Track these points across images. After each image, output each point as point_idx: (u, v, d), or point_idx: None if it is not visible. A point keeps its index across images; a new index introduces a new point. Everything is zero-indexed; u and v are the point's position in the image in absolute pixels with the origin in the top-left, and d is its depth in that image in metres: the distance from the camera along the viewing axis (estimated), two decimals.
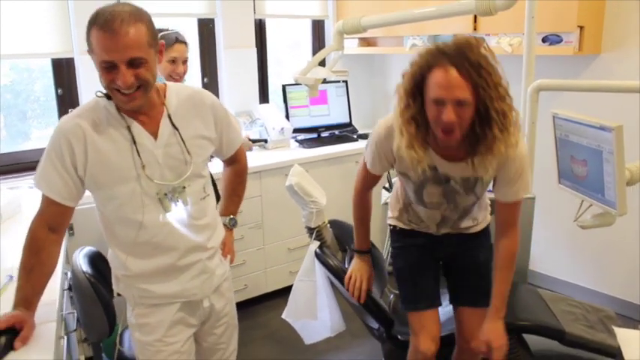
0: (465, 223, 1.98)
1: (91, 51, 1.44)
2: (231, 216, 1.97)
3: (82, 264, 1.97)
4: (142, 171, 1.53)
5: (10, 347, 1.33)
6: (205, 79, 3.76)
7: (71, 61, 3.19)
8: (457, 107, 1.51)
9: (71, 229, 2.61)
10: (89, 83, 3.18)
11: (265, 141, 3.69)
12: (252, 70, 3.88)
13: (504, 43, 3.12)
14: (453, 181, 1.77)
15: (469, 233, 2.02)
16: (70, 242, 2.51)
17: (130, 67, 1.41)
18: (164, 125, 1.57)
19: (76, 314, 1.99)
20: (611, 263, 3.32)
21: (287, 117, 3.91)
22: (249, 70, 3.87)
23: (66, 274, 2.10)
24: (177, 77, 2.55)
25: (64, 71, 3.21)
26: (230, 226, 1.95)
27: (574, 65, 3.18)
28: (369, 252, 2.15)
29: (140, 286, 1.64)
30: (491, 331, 1.86)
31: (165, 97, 1.59)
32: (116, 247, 1.64)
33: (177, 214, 1.61)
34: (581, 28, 2.95)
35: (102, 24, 1.38)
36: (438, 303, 2.04)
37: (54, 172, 1.51)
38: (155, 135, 1.56)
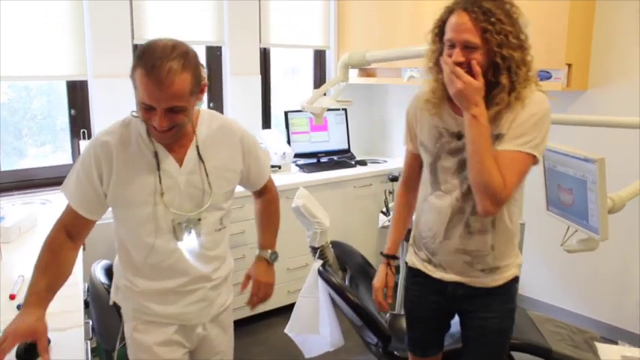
0: (478, 242, 1.73)
1: (133, 83, 1.44)
2: (271, 250, 1.92)
3: (100, 276, 2.09)
4: (160, 198, 1.55)
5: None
6: (211, 104, 3.92)
7: (85, 83, 3.34)
8: (466, 51, 1.54)
9: (83, 244, 2.73)
10: (101, 105, 3.33)
11: (279, 167, 3.79)
12: (256, 96, 4.04)
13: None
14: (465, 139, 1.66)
15: (483, 287, 1.78)
16: (84, 256, 2.62)
17: (168, 113, 1.42)
18: (191, 154, 1.58)
19: (91, 324, 2.10)
20: (596, 288, 3.47)
21: (288, 142, 4.06)
22: (253, 97, 4.03)
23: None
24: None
25: (77, 93, 3.35)
26: (271, 261, 1.92)
27: (562, 100, 3.36)
28: (395, 258, 2.01)
29: (140, 302, 1.65)
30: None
31: (196, 124, 1.60)
32: (126, 263, 1.66)
33: (188, 243, 1.61)
34: (569, 65, 3.15)
35: (149, 69, 1.37)
36: (435, 352, 1.97)
37: (80, 185, 1.55)
38: (181, 162, 1.57)
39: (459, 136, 1.67)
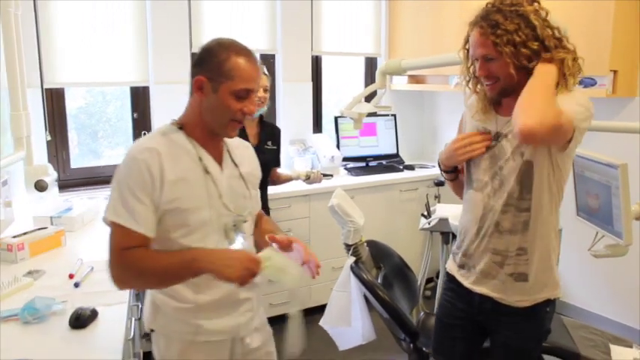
0: (508, 241, 1.73)
1: (220, 79, 1.44)
2: None
3: None
4: (217, 200, 1.52)
5: None
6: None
7: (147, 89, 3.61)
8: (486, 62, 1.63)
9: None
10: (161, 109, 3.59)
11: (331, 175, 3.84)
12: (307, 102, 4.21)
13: None
14: (504, 139, 1.72)
15: (511, 306, 1.76)
16: None
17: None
18: (226, 158, 1.60)
19: (140, 306, 2.31)
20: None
21: (338, 146, 4.20)
22: (304, 102, 4.20)
23: None
24: (260, 102, 2.80)
25: (140, 98, 3.62)
26: None
27: (609, 107, 3.34)
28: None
29: (191, 321, 1.54)
30: None
31: None
32: None
33: (238, 246, 1.59)
34: (615, 72, 3.12)
35: (245, 54, 1.47)
36: None
37: (137, 202, 1.41)
38: (220, 166, 1.57)
39: (496, 136, 1.74)
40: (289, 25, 4.01)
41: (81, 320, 1.60)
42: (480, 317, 1.85)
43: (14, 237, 2.20)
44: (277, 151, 3.16)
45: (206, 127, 1.53)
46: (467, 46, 1.74)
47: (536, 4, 1.64)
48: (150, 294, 1.60)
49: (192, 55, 3.61)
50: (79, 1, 3.21)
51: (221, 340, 1.60)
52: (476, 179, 1.80)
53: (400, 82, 4.48)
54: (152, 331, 1.60)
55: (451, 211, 3.22)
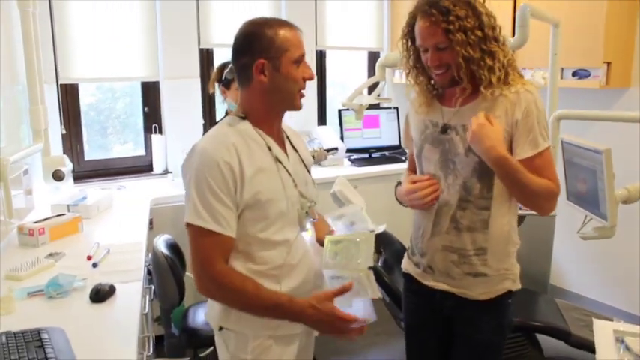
0: (466, 240, 1.69)
1: (277, 55, 1.46)
2: None
3: (162, 247, 2.44)
4: (292, 189, 1.54)
5: None
6: None
7: (157, 83, 3.74)
8: (438, 53, 1.58)
9: (151, 223, 3.10)
10: (170, 103, 3.72)
11: (336, 149, 4.03)
12: (312, 95, 4.33)
13: (538, 77, 3.43)
14: (453, 132, 1.67)
15: (472, 299, 1.73)
16: (150, 234, 3.00)
17: None
18: (287, 145, 1.62)
19: (153, 288, 2.46)
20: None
21: (342, 138, 4.33)
22: (309, 95, 4.29)
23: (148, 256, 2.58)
24: None
25: (150, 92, 3.76)
26: None
27: (605, 97, 3.44)
28: None
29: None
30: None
31: None
32: (250, 272, 1.50)
33: (307, 235, 1.62)
34: (608, 63, 3.23)
35: (286, 25, 1.50)
36: None
37: (220, 204, 1.42)
38: (285, 154, 1.59)
39: (444, 129, 1.70)
40: (294, 20, 4.08)
41: (100, 294, 1.74)
42: (444, 313, 1.80)
43: (35, 222, 2.34)
44: None
45: (270, 113, 1.54)
46: (406, 36, 1.71)
47: None
48: None
49: (201, 50, 3.77)
50: (92, 0, 3.35)
51: (294, 334, 1.58)
52: (428, 173, 1.76)
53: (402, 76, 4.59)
54: (221, 329, 1.56)
55: None
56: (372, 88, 3.20)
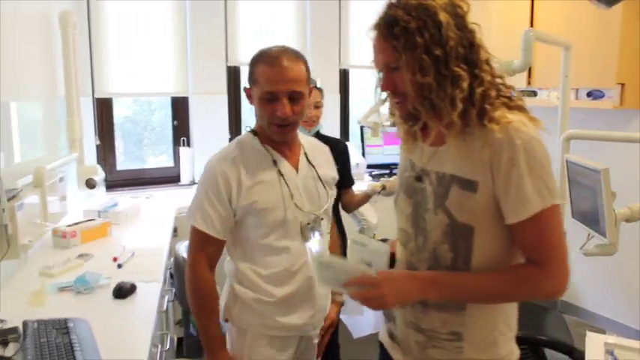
0: (434, 320, 1.29)
1: (253, 85, 1.59)
2: None
3: (183, 253, 2.59)
4: (290, 200, 1.63)
5: None
6: None
7: (186, 99, 3.94)
8: (390, 74, 1.24)
9: (175, 231, 3.27)
10: (198, 118, 3.92)
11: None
12: (335, 112, 4.48)
13: (553, 97, 3.51)
14: (427, 181, 1.28)
15: None
16: (174, 240, 3.16)
17: (290, 101, 1.56)
18: (302, 160, 1.71)
19: (174, 291, 2.61)
20: None
21: (363, 154, 4.46)
22: (332, 113, 4.47)
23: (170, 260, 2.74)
24: (311, 121, 2.67)
25: (179, 107, 3.97)
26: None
27: (619, 118, 3.49)
28: None
29: (266, 314, 1.67)
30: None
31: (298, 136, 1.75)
32: (254, 274, 1.66)
33: (314, 244, 1.69)
34: (622, 85, 3.29)
35: (269, 60, 1.55)
36: None
37: (215, 210, 1.60)
38: (296, 168, 1.69)
39: (419, 177, 1.30)
40: (318, 41, 4.29)
41: (122, 292, 1.90)
42: None
43: (68, 226, 2.54)
44: (343, 170, 2.71)
45: (267, 133, 1.66)
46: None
47: None
48: (229, 284, 1.74)
49: (228, 68, 3.96)
50: (126, 20, 3.58)
51: (291, 336, 1.71)
52: (399, 229, 1.38)
53: None
54: (227, 321, 1.72)
55: None
56: None
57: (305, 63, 1.61)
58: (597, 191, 2.22)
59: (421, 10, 1.18)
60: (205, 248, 1.65)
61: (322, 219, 1.72)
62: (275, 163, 1.66)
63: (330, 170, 1.80)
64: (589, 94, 3.39)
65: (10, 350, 1.48)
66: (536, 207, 1.16)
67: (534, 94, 3.67)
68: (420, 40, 1.17)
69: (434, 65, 1.17)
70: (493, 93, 1.21)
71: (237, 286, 1.70)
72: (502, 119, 1.18)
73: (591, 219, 2.34)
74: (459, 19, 1.21)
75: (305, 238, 1.67)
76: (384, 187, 3.06)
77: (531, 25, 3.61)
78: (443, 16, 1.17)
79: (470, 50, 1.20)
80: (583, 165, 2.31)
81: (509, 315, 1.34)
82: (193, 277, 1.66)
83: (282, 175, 1.65)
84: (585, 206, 2.38)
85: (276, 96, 1.56)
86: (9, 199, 2.02)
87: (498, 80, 1.25)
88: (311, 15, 4.22)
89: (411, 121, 1.31)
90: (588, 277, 3.81)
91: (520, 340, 2.53)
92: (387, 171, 4.52)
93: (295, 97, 1.58)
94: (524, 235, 1.20)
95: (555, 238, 1.19)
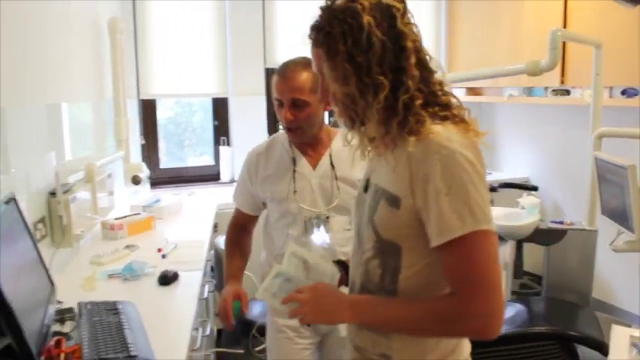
0: (366, 339, 1.24)
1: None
2: None
3: (223, 246, 2.73)
4: (292, 195, 1.81)
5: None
6: (331, 119, 4.51)
7: (226, 100, 4.10)
8: (324, 82, 1.20)
9: (216, 226, 3.41)
10: (237, 118, 4.07)
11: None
12: None
13: (586, 95, 3.52)
14: (369, 192, 1.23)
15: None
16: (214, 235, 3.31)
17: (293, 108, 1.72)
18: (324, 160, 1.84)
19: (214, 282, 2.75)
20: None
21: None
22: None
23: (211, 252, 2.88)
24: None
25: (219, 107, 4.13)
26: None
27: None
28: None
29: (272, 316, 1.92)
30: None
31: (332, 138, 1.86)
32: (269, 251, 1.95)
33: (318, 238, 1.81)
34: None
35: (279, 70, 1.75)
36: None
37: (240, 189, 1.99)
38: (314, 166, 1.83)
39: (365, 187, 1.26)
40: None
41: (166, 279, 2.04)
42: None
43: (115, 219, 2.71)
44: None
45: None
46: None
47: None
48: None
49: (266, 69, 4.10)
50: (169, 25, 3.76)
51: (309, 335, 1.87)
52: (349, 243, 1.36)
53: (458, 94, 4.72)
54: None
55: (495, 212, 3.46)
56: None
57: (312, 73, 1.59)
58: (625, 188, 2.26)
59: (347, 14, 1.10)
60: (239, 218, 2.02)
61: (328, 217, 1.81)
62: (294, 160, 1.84)
63: (349, 174, 1.80)
64: (623, 92, 3.39)
65: (67, 327, 1.63)
66: (455, 232, 1.04)
67: (567, 92, 3.68)
68: (342, 47, 1.10)
69: (355, 73, 1.10)
70: (419, 101, 1.10)
71: (263, 258, 2.00)
72: (424, 131, 1.08)
73: (620, 215, 2.37)
74: (390, 20, 1.10)
75: (307, 231, 1.82)
76: None
77: (564, 25, 3.62)
78: (366, 19, 1.08)
79: (399, 55, 1.09)
80: (610, 162, 2.35)
81: (443, 340, 1.19)
82: (227, 228, 2.04)
83: (295, 171, 1.82)
84: (614, 203, 2.42)
85: (281, 102, 1.75)
86: (63, 193, 2.19)
87: (437, 87, 1.14)
88: None
89: (353, 128, 1.21)
90: (620, 275, 3.79)
91: (551, 336, 2.60)
92: None
93: (298, 105, 1.72)
94: (445, 261, 1.09)
95: (479, 269, 1.05)
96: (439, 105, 1.12)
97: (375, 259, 1.19)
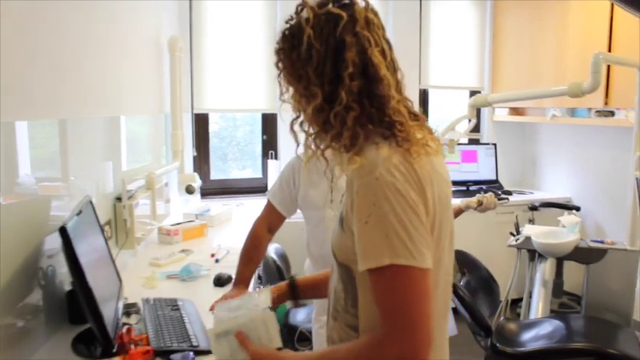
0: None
1: None
2: None
3: (272, 254, 2.88)
4: (329, 204, 1.98)
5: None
6: None
7: (275, 115, 4.28)
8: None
9: None
10: (285, 132, 4.22)
11: (507, 199, 3.70)
12: None
13: (631, 117, 3.54)
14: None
15: None
16: None
17: None
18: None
19: (262, 287, 2.89)
20: None
21: None
22: None
23: None
24: None
25: (268, 123, 4.31)
26: None
27: None
28: None
29: None
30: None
31: None
32: (310, 258, 2.19)
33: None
34: None
35: None
36: None
37: (281, 188, 2.16)
38: None
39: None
40: (399, 61, 4.50)
41: (221, 280, 2.19)
42: None
43: (171, 225, 2.89)
44: None
45: None
46: None
47: None
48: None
49: None
50: (222, 44, 3.97)
51: None
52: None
53: (502, 114, 4.82)
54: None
55: (536, 230, 3.51)
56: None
57: None
58: None
59: (294, 28, 1.09)
60: (269, 215, 2.16)
61: None
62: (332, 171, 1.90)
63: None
64: None
65: (133, 320, 1.79)
66: (370, 263, 0.96)
67: (612, 114, 3.71)
68: (287, 61, 1.09)
69: (297, 86, 1.10)
70: (353, 114, 1.03)
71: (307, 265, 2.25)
72: (357, 151, 1.03)
73: None
74: (332, 30, 1.05)
75: None
76: (480, 203, 3.01)
77: (609, 44, 3.65)
78: (307, 32, 1.05)
79: (337, 66, 1.04)
80: None
81: None
82: (250, 229, 2.14)
83: (333, 181, 1.57)
84: None
85: None
86: (128, 198, 2.37)
87: (393, 102, 1.08)
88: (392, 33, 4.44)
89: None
90: None
91: (590, 353, 2.63)
92: (464, 188, 4.65)
93: None
94: (372, 289, 0.99)
95: (397, 303, 0.95)
96: (385, 122, 1.05)
97: (340, 282, 1.13)
